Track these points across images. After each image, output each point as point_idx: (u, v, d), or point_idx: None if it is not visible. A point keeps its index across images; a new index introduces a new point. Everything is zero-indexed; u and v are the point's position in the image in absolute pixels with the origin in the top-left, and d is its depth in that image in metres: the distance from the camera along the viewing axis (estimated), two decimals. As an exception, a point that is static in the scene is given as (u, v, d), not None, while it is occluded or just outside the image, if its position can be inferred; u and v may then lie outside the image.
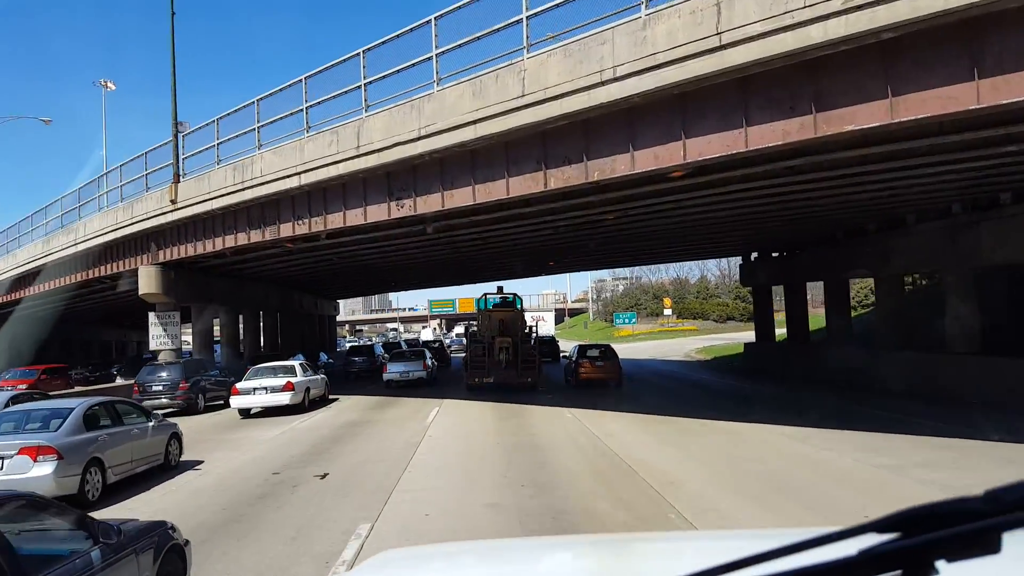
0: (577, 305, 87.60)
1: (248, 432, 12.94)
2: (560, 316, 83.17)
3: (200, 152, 17.99)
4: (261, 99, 15.74)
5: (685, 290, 67.58)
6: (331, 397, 18.84)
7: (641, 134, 9.73)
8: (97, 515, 3.95)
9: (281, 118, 15.14)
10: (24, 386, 19.37)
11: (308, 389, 17.28)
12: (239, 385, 16.49)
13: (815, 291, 35.96)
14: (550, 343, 30.70)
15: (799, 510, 6.07)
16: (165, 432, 9.98)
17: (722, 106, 8.98)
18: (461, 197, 12.12)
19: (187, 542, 4.31)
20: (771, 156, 10.09)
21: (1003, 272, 16.11)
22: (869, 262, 18.65)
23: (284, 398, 15.99)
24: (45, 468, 7.34)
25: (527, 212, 14.08)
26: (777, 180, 11.79)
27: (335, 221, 14.60)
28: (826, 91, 8.24)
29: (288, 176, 14.64)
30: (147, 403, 17.79)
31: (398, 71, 12.40)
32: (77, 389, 20.47)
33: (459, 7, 11.08)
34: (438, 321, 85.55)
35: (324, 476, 8.15)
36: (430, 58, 11.71)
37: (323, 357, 31.52)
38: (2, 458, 7.33)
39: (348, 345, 45.57)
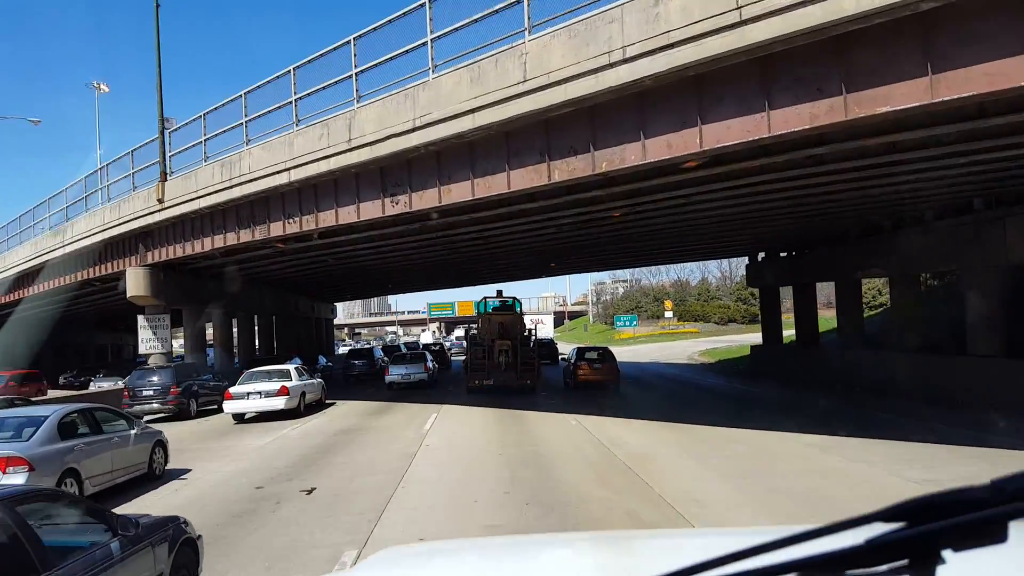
0: (577, 308, 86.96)
1: (237, 439, 12.22)
2: (560, 319, 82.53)
3: (187, 149, 17.30)
4: (248, 92, 15.05)
5: (686, 292, 67.20)
6: (328, 401, 18.26)
7: (653, 121, 9.03)
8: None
9: (269, 111, 14.44)
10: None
11: (304, 394, 16.77)
12: (232, 389, 16.01)
13: (821, 292, 35.56)
14: (548, 346, 30.86)
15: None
16: (149, 440, 9.52)
17: (742, 88, 8.28)
18: (459, 192, 11.42)
19: (199, 536, 4.44)
20: (794, 143, 9.41)
21: (1027, 270, 15.42)
22: (884, 261, 17.96)
23: (279, 403, 15.51)
24: (15, 480, 6.79)
25: (529, 208, 13.38)
26: (795, 172, 11.09)
27: (327, 219, 13.89)
28: (858, 70, 7.54)
29: (277, 172, 13.93)
30: (137, 408, 17.27)
31: (391, 58, 11.71)
32: (52, 395, 19.69)
33: (456, -12, 10.42)
34: (437, 324, 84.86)
35: (311, 492, 7.42)
36: (425, 43, 11.02)
37: (322, 360, 30.92)
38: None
39: (347, 348, 45.28)
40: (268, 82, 14.53)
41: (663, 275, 70.97)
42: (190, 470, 9.56)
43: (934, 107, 7.18)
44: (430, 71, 11.00)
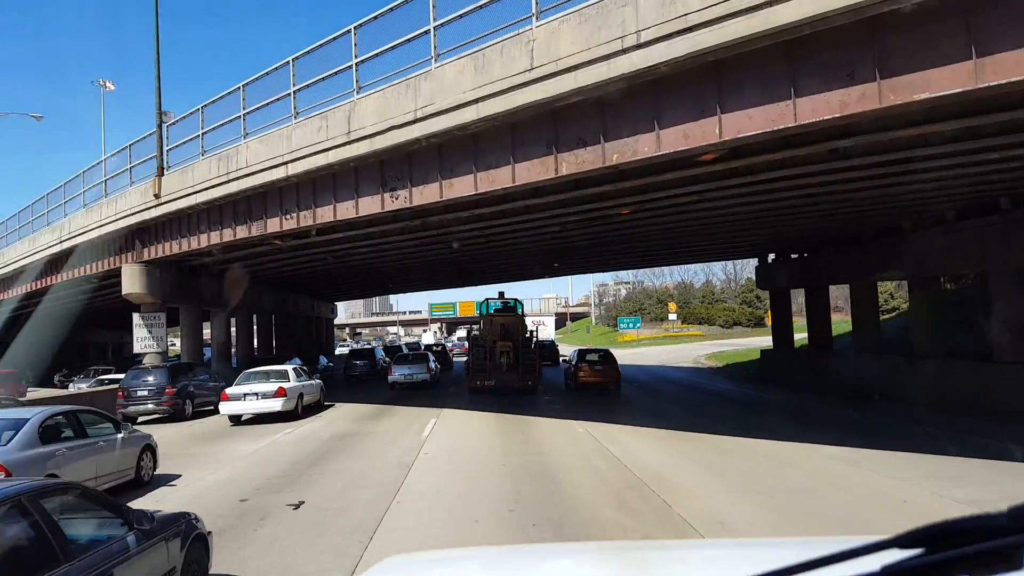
0: (579, 309, 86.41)
1: (228, 444, 11.70)
2: (562, 320, 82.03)
3: (184, 143, 16.82)
4: (247, 84, 14.55)
5: (690, 294, 66.74)
6: (326, 403, 17.83)
7: (669, 110, 8.47)
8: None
9: (267, 104, 13.94)
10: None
11: (302, 395, 16.39)
12: (229, 391, 15.66)
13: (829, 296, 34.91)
14: (549, 347, 31.03)
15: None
16: (137, 444, 9.15)
17: (766, 75, 7.72)
18: (462, 187, 10.87)
19: (209, 532, 4.55)
20: (819, 135, 8.84)
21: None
22: (903, 262, 17.30)
23: (276, 404, 15.14)
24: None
25: (533, 204, 12.83)
26: (816, 168, 10.50)
27: (324, 215, 13.37)
28: (893, 53, 6.97)
29: (275, 166, 13.43)
30: (132, 409, 16.87)
31: (392, 48, 11.18)
32: (31, 396, 19.21)
33: (460, -27, 9.88)
34: (439, 325, 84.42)
35: (298, 506, 6.88)
36: (427, 32, 10.50)
37: (323, 360, 30.53)
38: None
39: (348, 348, 45.04)
40: (267, 74, 14.04)
41: (667, 277, 70.51)
42: (180, 476, 9.14)
43: (979, 93, 6.60)
44: (432, 60, 10.47)
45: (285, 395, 15.40)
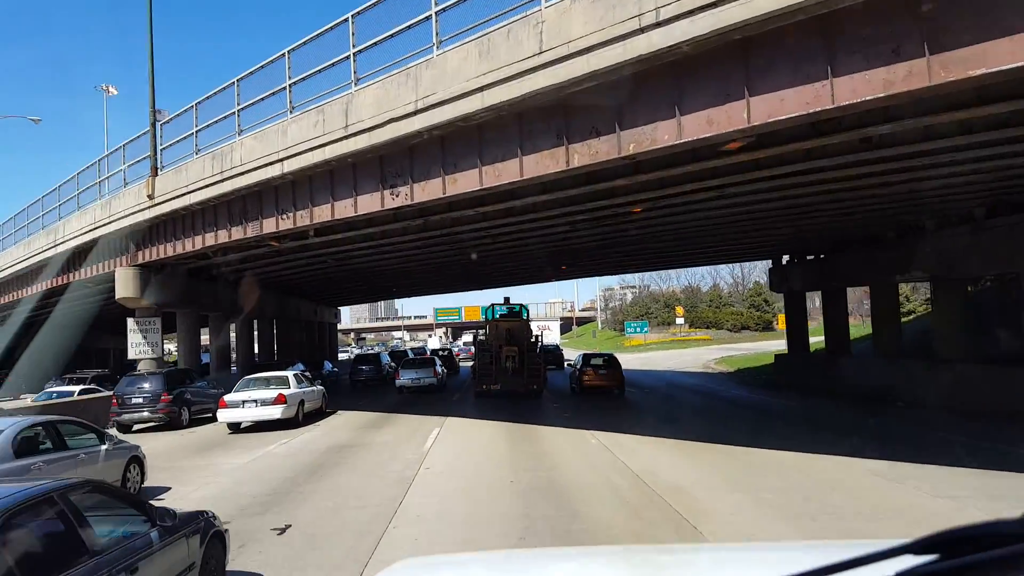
0: (585, 314, 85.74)
1: (220, 456, 11.02)
2: (568, 325, 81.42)
3: (178, 141, 16.24)
4: (241, 79, 13.94)
5: (697, 298, 66.24)
6: (328, 410, 17.27)
7: (691, 93, 7.77)
8: None
9: (262, 99, 13.33)
10: None
11: (303, 402, 15.81)
12: (227, 397, 15.09)
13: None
14: (554, 352, 31.36)
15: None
16: (122, 456, 8.68)
17: (799, 53, 7.01)
18: (466, 182, 10.20)
19: (226, 529, 4.73)
20: (853, 121, 8.15)
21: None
22: (927, 263, 16.52)
23: (275, 412, 14.61)
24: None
25: (541, 202, 12.15)
26: (846, 159, 9.78)
27: (322, 214, 12.72)
28: (944, 25, 6.25)
29: (270, 163, 12.80)
30: (126, 417, 16.26)
31: (392, 35, 10.53)
32: (14, 405, 18.56)
33: (463, -49, 9.23)
34: (444, 329, 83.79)
35: (284, 530, 6.18)
36: (428, 17, 9.86)
37: (327, 366, 29.99)
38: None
39: (354, 353, 44.53)
40: (261, 67, 13.43)
41: (674, 281, 69.87)
42: (168, 488, 8.57)
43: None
44: (434, 47, 9.82)
45: (285, 402, 14.88)
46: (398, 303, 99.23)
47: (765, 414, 15.52)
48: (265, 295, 27.29)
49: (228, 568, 4.66)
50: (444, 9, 9.75)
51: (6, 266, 26.49)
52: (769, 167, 9.97)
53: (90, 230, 19.62)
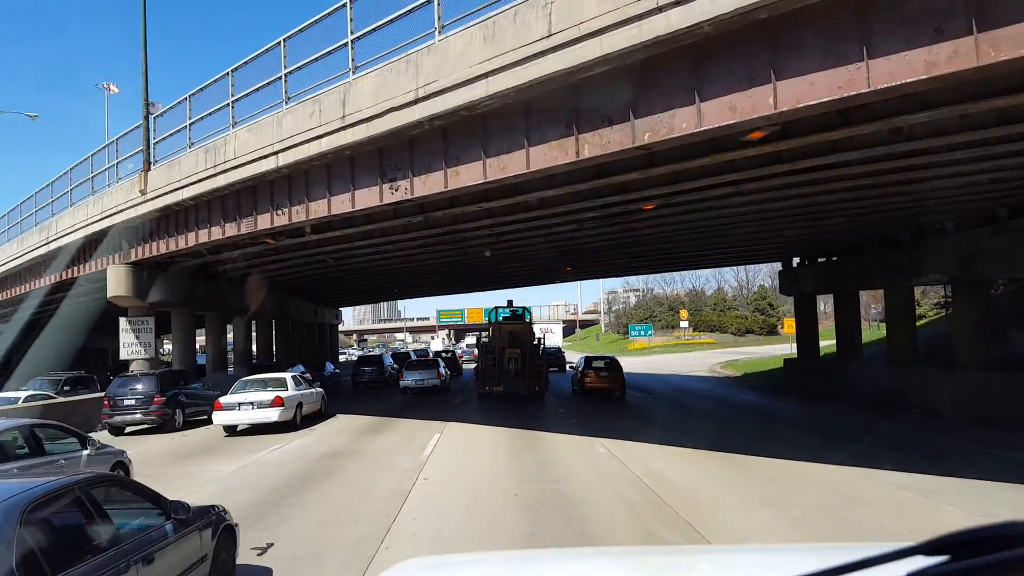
0: (588, 317, 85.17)
1: (208, 462, 10.46)
2: (571, 328, 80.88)
3: (171, 135, 15.72)
4: (236, 69, 13.42)
5: (701, 302, 65.73)
6: (327, 413, 16.84)
7: (712, 78, 7.22)
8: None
9: (257, 89, 12.80)
10: None
11: (301, 404, 15.37)
12: (223, 400, 14.67)
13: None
14: (555, 355, 31.78)
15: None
16: (106, 462, 8.33)
17: (831, 32, 6.46)
18: (469, 175, 9.65)
19: (237, 524, 4.81)
20: (884, 109, 7.58)
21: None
22: (946, 265, 15.93)
23: (272, 414, 14.19)
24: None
25: (548, 198, 11.62)
26: (873, 153, 9.21)
27: (318, 210, 12.18)
28: (994, 1, 5.71)
29: (264, 156, 12.27)
30: (118, 419, 15.73)
31: (392, 20, 10.00)
32: None
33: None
34: (447, 331, 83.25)
35: (265, 549, 5.61)
36: (430, 1, 9.33)
37: (329, 367, 29.66)
38: None
39: (358, 355, 44.18)
40: (257, 56, 12.90)
41: (678, 284, 69.33)
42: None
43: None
44: (436, 32, 9.28)
45: (282, 405, 14.45)
46: (401, 305, 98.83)
47: (778, 421, 14.92)
48: (264, 295, 26.79)
49: (237, 562, 4.75)
50: (447, -8, 9.23)
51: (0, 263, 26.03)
52: (791, 160, 9.41)
53: (83, 227, 19.13)
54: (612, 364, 19.60)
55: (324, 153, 11.13)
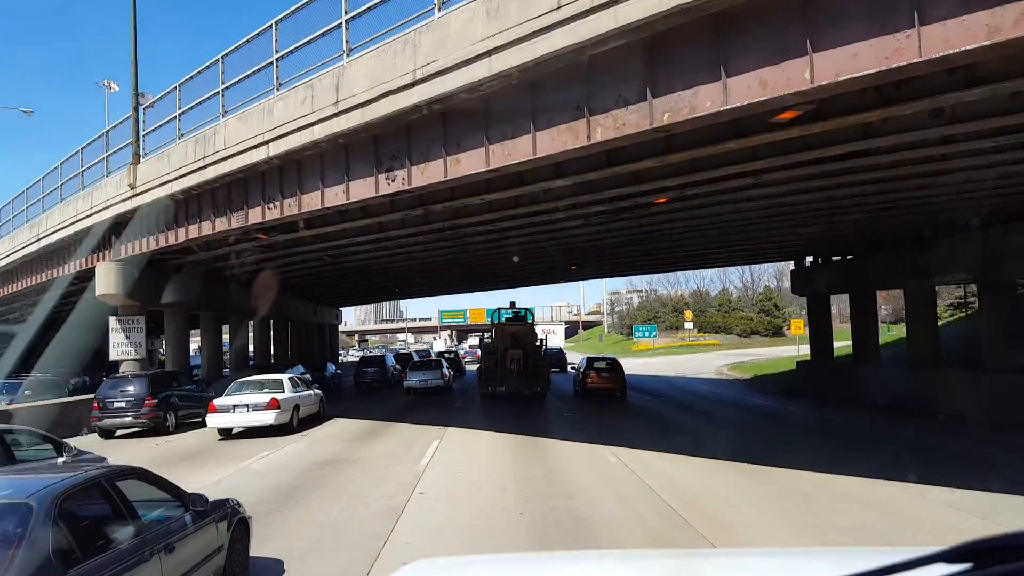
0: (591, 317, 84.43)
1: (190, 471, 9.75)
2: (574, 329, 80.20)
3: (161, 126, 15.06)
4: (226, 55, 12.75)
5: (705, 303, 65.12)
6: (325, 415, 16.28)
7: (740, 51, 6.50)
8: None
9: (247, 76, 12.12)
10: None
11: (297, 407, 14.83)
12: (217, 402, 14.17)
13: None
14: (557, 355, 32.21)
15: None
16: None
17: (876, -5, 5.76)
18: (470, 162, 8.95)
19: (250, 516, 5.09)
20: (928, 87, 6.85)
21: None
22: (973, 264, 15.16)
23: (268, 417, 13.69)
24: None
25: (555, 189, 10.91)
26: (910, 138, 8.50)
27: (311, 202, 11.50)
28: (1072, -48, 4.99)
29: (255, 146, 11.59)
30: (108, 422, 15.09)
31: (388, -2, 9.33)
32: None
33: None
34: (449, 332, 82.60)
35: (236, 580, 4.90)
36: (431, -26, 8.65)
37: (331, 368, 29.23)
38: None
39: (358, 356, 43.67)
40: (248, 41, 12.22)
41: (682, 284, 68.61)
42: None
43: None
44: (435, 8, 8.59)
45: (278, 407, 13.92)
46: (403, 305, 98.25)
47: (797, 427, 14.16)
48: (261, 294, 26.12)
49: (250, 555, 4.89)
50: (447, -35, 8.53)
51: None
52: (819, 146, 8.69)
53: (72, 223, 18.49)
54: (613, 365, 19.88)
55: (317, 142, 10.45)
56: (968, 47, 5.40)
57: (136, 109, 15.80)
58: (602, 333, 72.65)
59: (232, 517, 4.67)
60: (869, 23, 5.83)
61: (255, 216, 12.75)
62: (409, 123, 9.49)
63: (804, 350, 33.71)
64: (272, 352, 31.32)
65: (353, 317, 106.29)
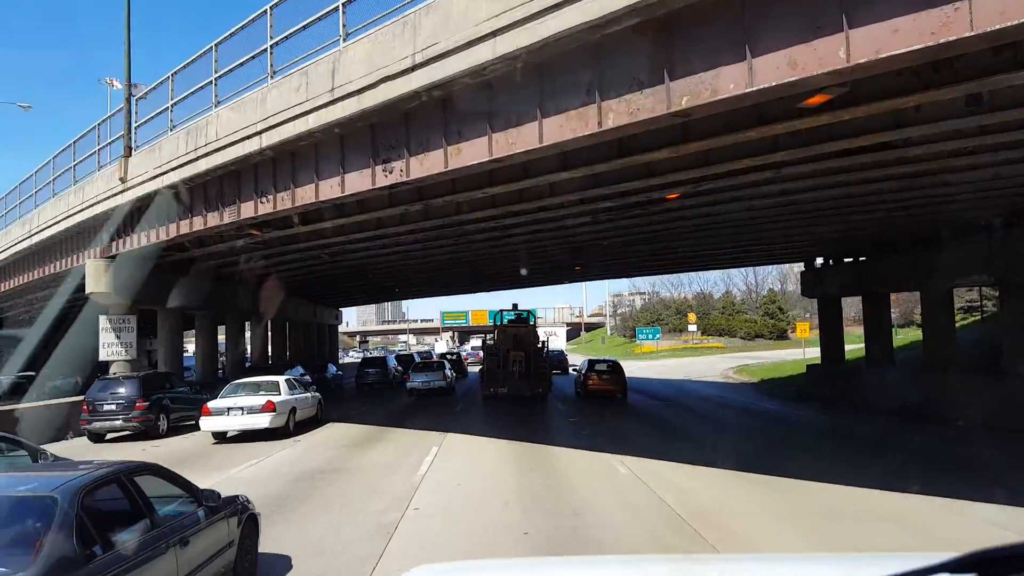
0: (593, 320, 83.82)
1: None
2: (576, 331, 79.63)
3: (153, 117, 14.55)
4: (220, 43, 12.23)
5: (709, 305, 64.66)
6: (324, 418, 15.86)
7: (767, 28, 5.94)
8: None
9: (241, 63, 11.60)
10: None
11: (294, 409, 14.38)
12: (211, 404, 13.74)
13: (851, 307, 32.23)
14: (558, 357, 32.63)
15: None
16: None
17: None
18: (472, 152, 8.40)
19: (259, 513, 5.25)
20: (975, 68, 6.29)
21: None
22: (994, 265, 14.60)
23: (263, 420, 13.28)
24: None
25: (561, 182, 10.37)
26: (941, 128, 7.93)
27: (305, 196, 10.96)
28: None
29: (247, 137, 11.07)
30: (97, 425, 14.60)
31: (388, -22, 8.80)
32: None
33: None
34: (450, 333, 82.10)
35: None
36: (431, -48, 8.11)
37: (331, 369, 28.88)
38: None
39: (357, 356, 43.33)
40: (242, 27, 11.69)
41: (685, 287, 68.10)
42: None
43: None
44: (437, -12, 8.05)
45: (274, 410, 13.49)
46: (405, 306, 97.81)
47: (815, 434, 13.55)
48: (258, 293, 25.60)
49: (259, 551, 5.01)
50: (449, -58, 7.98)
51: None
52: (846, 137, 8.12)
53: (64, 218, 18.00)
54: (614, 367, 20.15)
55: (311, 131, 9.92)
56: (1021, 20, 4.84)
57: (128, 100, 15.30)
58: (605, 335, 72.10)
59: (242, 513, 4.81)
60: (913, -6, 5.28)
61: (247, 210, 12.22)
62: (408, 111, 8.95)
63: (810, 353, 33.12)
64: (270, 353, 30.80)
65: (355, 318, 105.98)
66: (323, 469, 9.38)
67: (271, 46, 10.83)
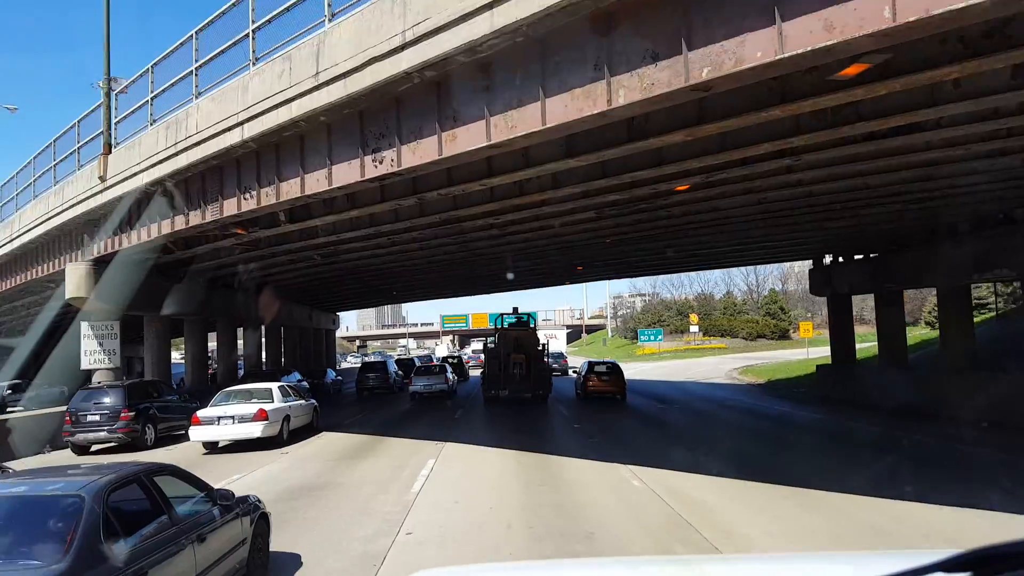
0: (594, 321, 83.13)
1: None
2: (576, 333, 78.96)
3: (133, 112, 13.85)
4: (200, 30, 11.53)
5: (710, 306, 64.12)
6: (317, 426, 15.25)
7: (798, -15, 5.27)
8: None
9: (222, 51, 10.90)
10: None
11: (288, 418, 13.82)
12: (201, 413, 13.16)
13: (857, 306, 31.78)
14: (557, 359, 32.86)
15: None
16: None
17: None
18: (468, 138, 7.70)
19: (270, 513, 5.45)
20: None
21: None
22: (1015, 260, 13.93)
23: (255, 429, 12.72)
24: None
25: (565, 172, 9.68)
26: (979, 106, 7.26)
27: (290, 190, 10.26)
28: None
29: (229, 128, 10.37)
30: (81, 437, 13.89)
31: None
32: None
33: None
34: (451, 337, 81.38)
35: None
36: (422, -80, 7.42)
37: (331, 374, 28.26)
38: None
39: (355, 361, 42.69)
40: (223, 13, 10.97)
41: (686, 288, 67.53)
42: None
43: None
44: (428, -39, 7.37)
45: (266, 418, 12.91)
46: (404, 310, 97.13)
47: (837, 439, 12.79)
48: (251, 298, 24.86)
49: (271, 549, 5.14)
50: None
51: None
52: (874, 117, 7.44)
53: (44, 220, 17.28)
54: (613, 369, 20.41)
55: (295, 120, 9.22)
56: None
57: (108, 94, 14.58)
58: (605, 337, 71.45)
59: (254, 513, 4.99)
60: (971, -59, 4.59)
61: (231, 207, 11.52)
62: (398, 95, 8.26)
63: (814, 353, 32.48)
64: (264, 359, 30.04)
65: (355, 322, 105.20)
66: (309, 486, 8.61)
67: (253, 31, 10.14)
